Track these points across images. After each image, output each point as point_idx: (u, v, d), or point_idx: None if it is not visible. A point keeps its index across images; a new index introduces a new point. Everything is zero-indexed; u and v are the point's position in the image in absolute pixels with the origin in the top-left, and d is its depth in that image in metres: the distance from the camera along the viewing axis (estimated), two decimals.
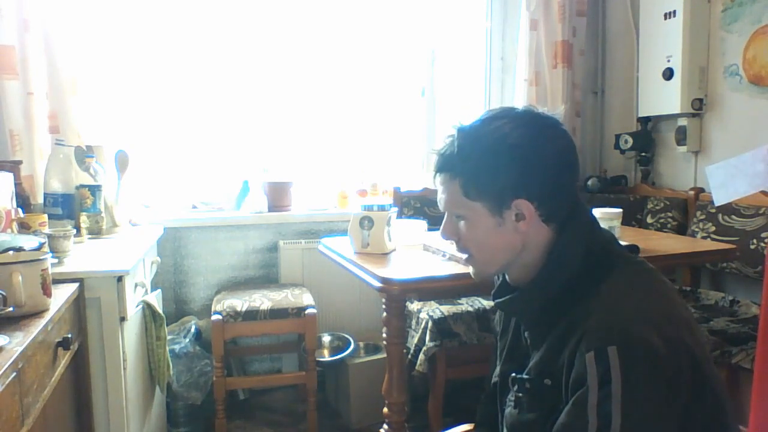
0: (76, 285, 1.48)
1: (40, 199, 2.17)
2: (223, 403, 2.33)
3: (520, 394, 0.92)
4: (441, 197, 0.95)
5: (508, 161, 0.87)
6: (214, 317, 2.31)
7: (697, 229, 2.48)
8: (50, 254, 1.34)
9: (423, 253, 1.89)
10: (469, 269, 0.99)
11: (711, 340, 1.96)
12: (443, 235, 0.98)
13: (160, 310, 1.96)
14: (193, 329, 2.52)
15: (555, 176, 0.89)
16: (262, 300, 2.41)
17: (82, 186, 2.10)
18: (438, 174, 0.94)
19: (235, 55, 2.79)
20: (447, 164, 0.92)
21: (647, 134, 2.93)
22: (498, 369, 1.05)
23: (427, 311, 2.28)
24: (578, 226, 0.92)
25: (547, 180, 0.88)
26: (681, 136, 2.70)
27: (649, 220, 2.77)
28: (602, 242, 0.93)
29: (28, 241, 1.47)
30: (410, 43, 3.05)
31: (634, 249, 1.72)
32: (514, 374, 0.94)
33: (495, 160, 0.87)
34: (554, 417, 0.84)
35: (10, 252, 1.34)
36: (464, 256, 0.98)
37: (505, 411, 0.96)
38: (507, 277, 0.99)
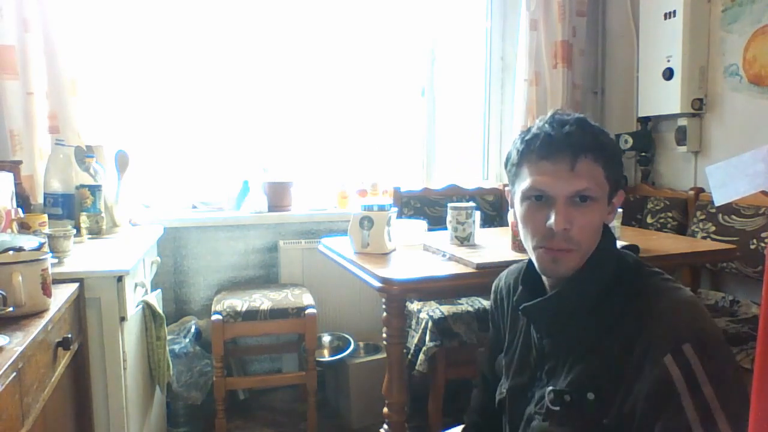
0: (76, 285, 1.48)
1: (40, 199, 2.17)
2: (223, 403, 2.33)
3: (557, 408, 0.91)
4: (581, 179, 0.88)
5: (620, 153, 0.97)
6: (214, 317, 2.31)
7: (697, 229, 2.48)
8: (50, 254, 1.34)
9: (423, 253, 1.89)
10: (558, 263, 0.91)
11: None
12: (562, 223, 0.88)
13: (160, 310, 1.96)
14: (193, 329, 2.52)
15: None
16: (262, 300, 2.41)
17: (82, 186, 2.10)
18: (583, 155, 0.88)
19: (235, 55, 2.79)
20: (593, 145, 0.89)
21: (647, 134, 2.93)
22: (507, 384, 1.05)
23: (427, 311, 2.28)
24: (610, 237, 0.97)
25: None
26: (681, 136, 2.70)
27: (649, 220, 2.77)
28: (629, 257, 0.97)
29: (28, 241, 1.48)
30: (410, 43, 3.05)
31: (634, 249, 1.72)
32: (551, 388, 0.93)
33: (617, 149, 0.96)
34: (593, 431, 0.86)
35: (10, 252, 1.34)
36: (565, 247, 0.90)
37: (533, 423, 0.95)
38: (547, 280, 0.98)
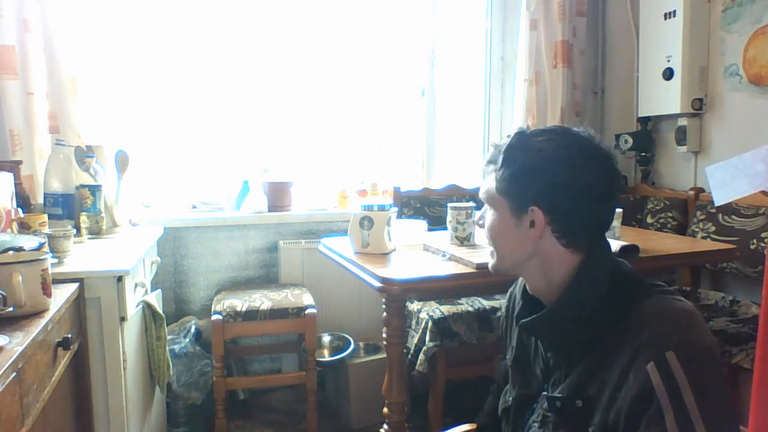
0: (76, 285, 1.48)
1: (40, 199, 2.17)
2: (223, 403, 2.33)
3: (549, 414, 0.92)
4: (482, 186, 1.01)
5: (537, 171, 0.92)
6: (214, 317, 2.31)
7: (697, 229, 2.48)
8: (50, 254, 1.34)
9: (423, 253, 1.89)
10: (490, 261, 1.03)
11: None
12: (478, 216, 1.06)
13: (160, 310, 1.96)
14: (193, 329, 2.52)
15: (578, 202, 0.92)
16: (262, 300, 2.41)
17: (82, 186, 2.10)
18: (486, 164, 1.01)
19: (235, 55, 2.79)
20: (493, 157, 0.98)
21: (647, 134, 2.93)
22: (513, 392, 1.05)
23: (427, 311, 2.28)
24: (602, 253, 0.95)
25: (568, 202, 0.91)
26: (681, 136, 2.70)
27: (649, 220, 2.77)
28: (626, 270, 0.95)
29: (28, 241, 1.48)
30: (410, 43, 3.05)
31: (633, 249, 1.72)
32: (545, 392, 0.94)
33: (527, 166, 0.93)
34: None
35: (10, 252, 1.34)
36: (490, 248, 1.03)
37: (530, 431, 0.97)
38: (527, 287, 1.00)
